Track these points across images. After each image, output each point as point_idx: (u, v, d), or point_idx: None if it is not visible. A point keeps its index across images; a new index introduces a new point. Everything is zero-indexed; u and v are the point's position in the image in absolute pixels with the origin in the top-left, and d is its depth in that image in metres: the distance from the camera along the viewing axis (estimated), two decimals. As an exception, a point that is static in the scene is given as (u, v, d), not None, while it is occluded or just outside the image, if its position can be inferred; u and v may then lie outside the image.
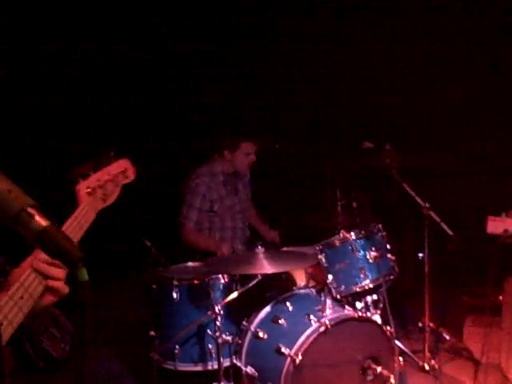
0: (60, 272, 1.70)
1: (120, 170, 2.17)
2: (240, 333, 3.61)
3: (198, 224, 4.31)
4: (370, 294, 3.81)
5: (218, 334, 3.44)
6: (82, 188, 2.00)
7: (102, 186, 2.07)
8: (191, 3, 5.38)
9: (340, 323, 3.40)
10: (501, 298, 4.18)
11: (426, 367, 4.11)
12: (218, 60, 5.56)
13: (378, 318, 3.73)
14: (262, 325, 3.57)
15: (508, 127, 4.70)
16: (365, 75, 5.26)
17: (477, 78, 4.97)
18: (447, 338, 4.34)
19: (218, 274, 3.65)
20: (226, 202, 4.39)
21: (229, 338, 3.49)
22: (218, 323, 3.43)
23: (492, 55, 4.96)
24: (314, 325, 3.37)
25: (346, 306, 3.64)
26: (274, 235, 4.63)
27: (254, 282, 3.54)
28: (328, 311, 3.46)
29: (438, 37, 5.09)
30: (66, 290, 1.74)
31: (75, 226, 1.83)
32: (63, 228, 1.77)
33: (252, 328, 3.57)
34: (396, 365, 3.56)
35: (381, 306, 3.84)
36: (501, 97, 4.85)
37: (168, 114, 5.64)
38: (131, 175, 2.22)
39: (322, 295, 3.56)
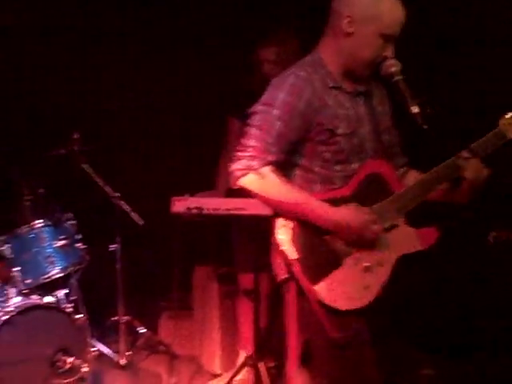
0: None
1: None
2: None
3: None
4: (62, 288, 3.68)
5: None
6: None
7: None
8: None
9: (25, 312, 3.24)
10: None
11: (122, 363, 4.06)
12: None
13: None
14: None
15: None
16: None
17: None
18: (143, 331, 4.36)
19: None
20: None
21: None
22: None
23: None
24: (-4, 315, 3.14)
25: (34, 296, 3.46)
26: None
27: None
28: (12, 301, 3.26)
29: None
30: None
31: None
32: None
33: None
34: (89, 354, 3.49)
35: (72, 299, 3.72)
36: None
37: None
38: None
39: (7, 288, 3.36)
